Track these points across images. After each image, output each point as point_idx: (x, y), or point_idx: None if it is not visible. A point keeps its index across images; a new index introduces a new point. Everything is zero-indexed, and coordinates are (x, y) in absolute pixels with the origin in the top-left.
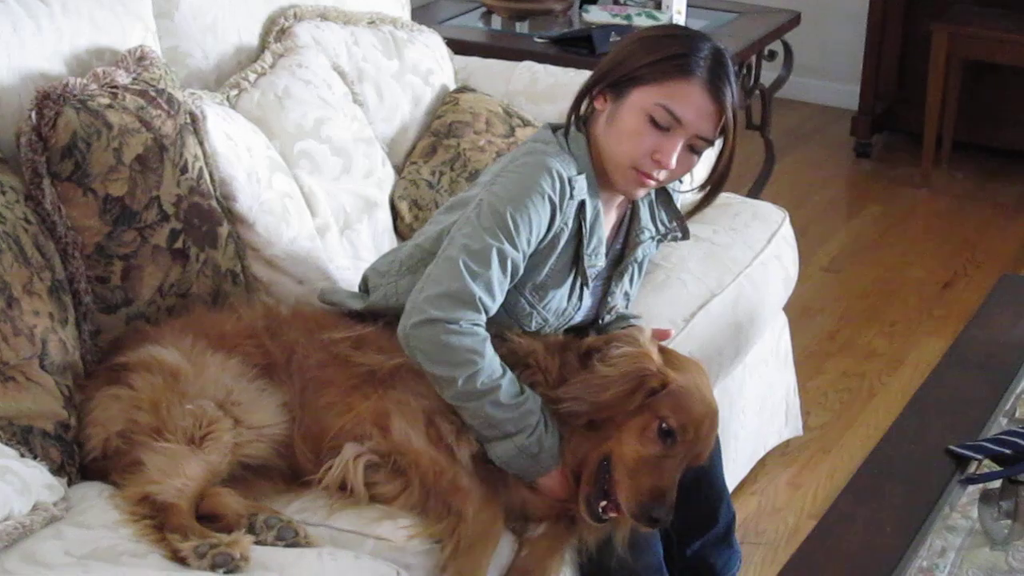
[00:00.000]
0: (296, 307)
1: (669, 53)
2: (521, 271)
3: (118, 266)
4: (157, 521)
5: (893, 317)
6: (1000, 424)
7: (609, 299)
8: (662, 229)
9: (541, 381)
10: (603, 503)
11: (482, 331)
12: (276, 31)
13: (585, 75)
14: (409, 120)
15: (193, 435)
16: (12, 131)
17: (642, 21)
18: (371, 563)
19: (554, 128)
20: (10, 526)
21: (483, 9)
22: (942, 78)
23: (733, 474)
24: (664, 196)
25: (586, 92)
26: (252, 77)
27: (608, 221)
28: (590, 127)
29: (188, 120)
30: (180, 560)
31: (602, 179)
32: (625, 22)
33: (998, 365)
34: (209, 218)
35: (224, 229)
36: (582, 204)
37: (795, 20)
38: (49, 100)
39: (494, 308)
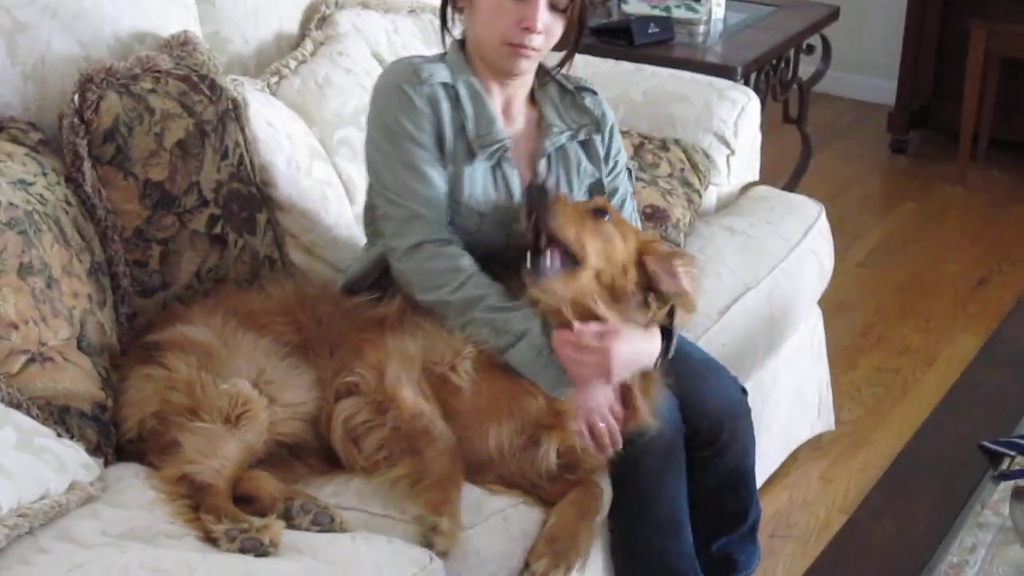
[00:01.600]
0: (324, 284)
1: None
2: (442, 164)
3: (156, 250)
4: (194, 501)
5: (927, 313)
6: None
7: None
8: (573, 125)
9: None
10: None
11: (454, 248)
12: (317, 19)
13: (623, 66)
14: None
15: (229, 415)
16: (55, 113)
17: (681, 13)
18: (405, 547)
19: None
20: (46, 505)
21: None
22: (979, 75)
23: (764, 467)
24: (570, 98)
25: (444, 2)
26: (293, 64)
27: (514, 117)
28: (467, 30)
29: (230, 106)
30: (211, 541)
31: (490, 69)
32: (664, 13)
33: None
34: (248, 204)
35: (263, 215)
36: (446, 86)
37: (834, 14)
38: (92, 83)
39: (442, 210)
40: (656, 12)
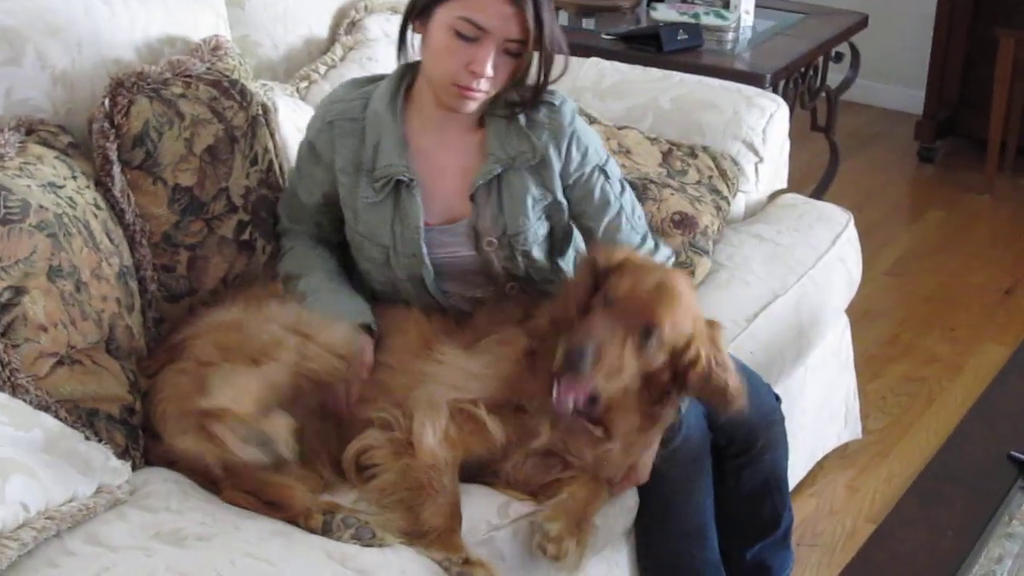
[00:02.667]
0: None
1: None
2: (333, 185)
3: (184, 256)
4: (208, 423)
5: (954, 323)
6: None
7: (479, 228)
8: (512, 153)
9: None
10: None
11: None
12: (347, 23)
13: (652, 72)
14: None
15: (254, 356)
16: (84, 117)
17: (710, 20)
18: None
19: None
20: (74, 507)
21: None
22: (1008, 84)
23: (791, 475)
24: (516, 125)
25: (404, 23)
26: (322, 69)
27: (451, 143)
28: (422, 56)
29: (260, 112)
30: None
31: (436, 100)
32: (693, 20)
33: None
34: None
35: None
36: (354, 120)
37: (863, 22)
38: (123, 88)
39: (305, 209)
40: (685, 19)
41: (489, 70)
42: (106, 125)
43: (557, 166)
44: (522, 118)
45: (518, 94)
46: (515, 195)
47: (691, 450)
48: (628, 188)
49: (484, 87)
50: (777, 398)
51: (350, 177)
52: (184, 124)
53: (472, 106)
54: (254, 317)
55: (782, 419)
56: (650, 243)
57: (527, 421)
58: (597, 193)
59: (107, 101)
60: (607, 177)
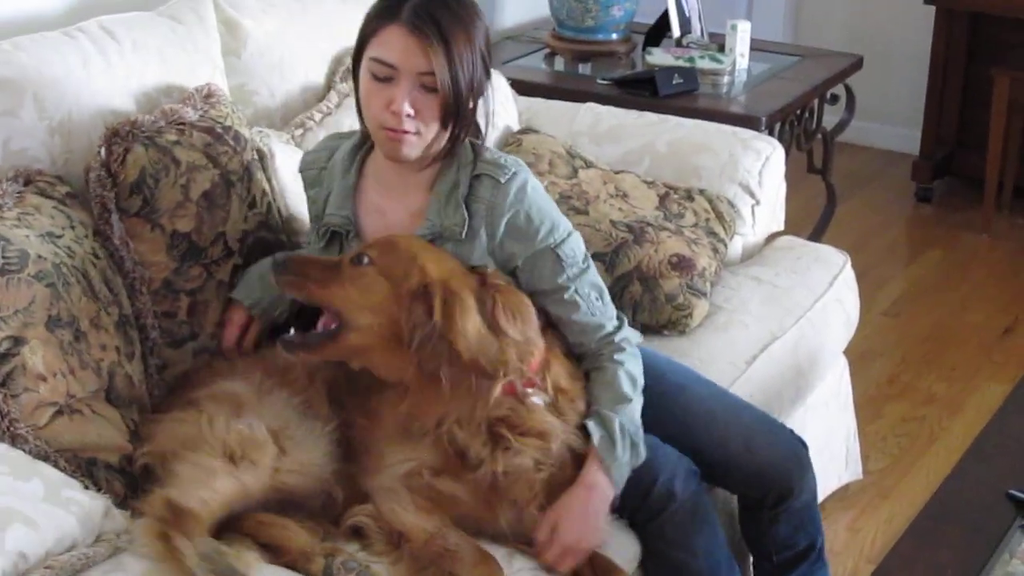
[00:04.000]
0: None
1: (376, 4)
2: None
3: (184, 301)
4: (170, 525)
5: (953, 362)
6: None
7: None
8: (445, 223)
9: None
10: None
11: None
12: (342, 70)
13: (648, 116)
14: None
15: (233, 453)
16: (82, 166)
17: (705, 64)
18: None
19: None
20: (74, 557)
21: (546, 50)
22: (1003, 124)
23: None
24: (456, 196)
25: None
26: (318, 117)
27: (399, 199)
28: None
29: (255, 156)
30: (183, 566)
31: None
32: (688, 64)
33: None
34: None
35: None
36: (322, 170)
37: (857, 64)
38: (118, 136)
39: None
40: (680, 63)
41: (407, 107)
42: (103, 174)
43: (484, 244)
44: (463, 187)
45: (450, 142)
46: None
47: (685, 512)
48: (591, 270)
49: (410, 127)
50: (801, 442)
51: (312, 224)
52: (180, 170)
53: (406, 150)
54: (258, 399)
55: (810, 462)
56: (609, 327)
57: (459, 450)
58: (547, 274)
59: (103, 150)
60: (559, 259)
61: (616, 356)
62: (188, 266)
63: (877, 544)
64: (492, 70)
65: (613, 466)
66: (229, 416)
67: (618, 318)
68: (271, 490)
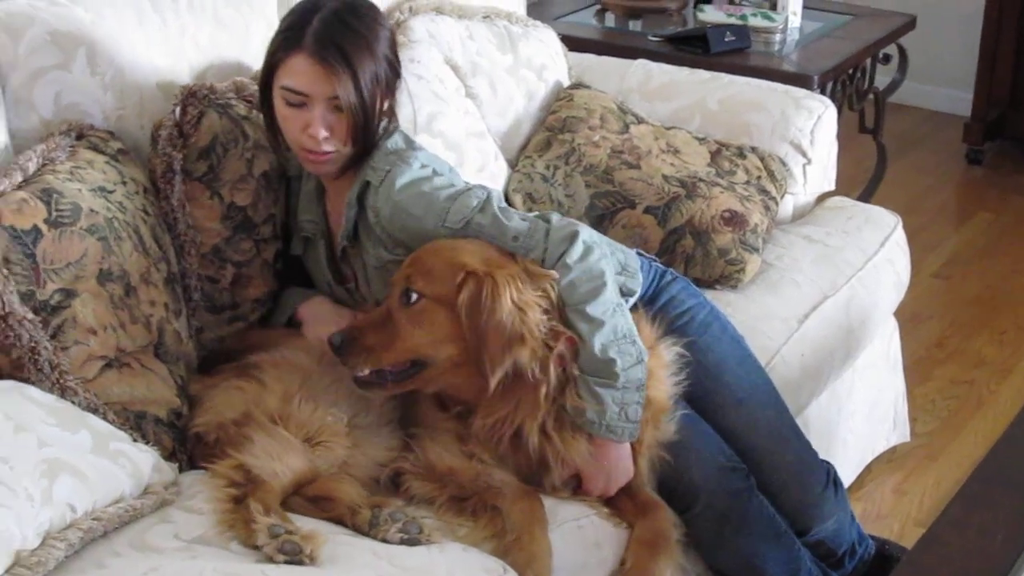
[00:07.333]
0: None
1: (280, 31)
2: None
3: (230, 271)
4: (242, 492)
5: (1003, 325)
6: None
7: (362, 276)
8: (348, 225)
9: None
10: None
11: None
12: (392, 24)
13: (699, 74)
14: (523, 115)
15: (311, 436)
16: (135, 123)
17: (757, 21)
18: (479, 556)
19: None
20: (121, 509)
21: (597, 6)
22: None
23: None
24: (357, 191)
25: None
26: None
27: (338, 201)
28: None
29: None
30: (250, 535)
31: None
32: (740, 22)
33: None
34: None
35: None
36: (294, 178)
37: (911, 23)
38: (194, 98)
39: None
40: (732, 20)
41: (323, 132)
42: (175, 132)
43: (383, 242)
44: (355, 191)
45: (360, 151)
46: (366, 261)
47: (717, 512)
48: (487, 211)
49: (328, 147)
50: (828, 472)
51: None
52: (247, 145)
53: (328, 167)
54: (327, 377)
55: (833, 493)
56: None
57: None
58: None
59: (178, 109)
60: (452, 229)
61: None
62: (240, 238)
63: (925, 507)
64: (544, 24)
65: (610, 435)
66: (299, 391)
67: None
68: (334, 476)
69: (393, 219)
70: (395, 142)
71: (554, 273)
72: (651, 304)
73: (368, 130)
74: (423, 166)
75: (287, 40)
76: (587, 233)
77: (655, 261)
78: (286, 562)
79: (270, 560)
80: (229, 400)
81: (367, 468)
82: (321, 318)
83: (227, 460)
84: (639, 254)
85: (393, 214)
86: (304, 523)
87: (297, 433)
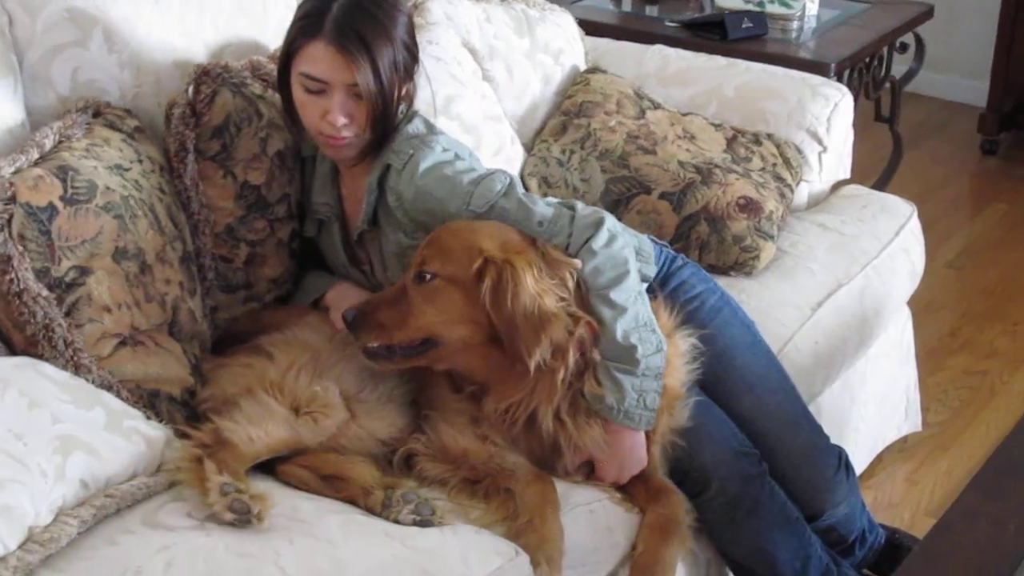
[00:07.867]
0: None
1: (298, 17)
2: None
3: (244, 250)
4: (208, 452)
5: (1016, 316)
6: None
7: (378, 261)
8: (368, 209)
9: None
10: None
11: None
12: (410, 6)
13: (716, 60)
14: (539, 98)
15: (299, 406)
16: (152, 101)
17: (775, 8)
18: (491, 538)
19: None
20: (134, 486)
21: None
22: None
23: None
24: (377, 175)
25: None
26: None
27: (357, 187)
28: None
29: None
30: (204, 490)
31: None
32: (758, 8)
33: None
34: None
35: None
36: (309, 158)
37: (928, 12)
38: (208, 76)
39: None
40: (750, 7)
41: (342, 118)
42: (187, 111)
43: (404, 226)
44: (375, 174)
45: (380, 136)
46: (383, 245)
47: (729, 497)
48: (511, 195)
49: (347, 133)
50: (839, 458)
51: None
52: (261, 124)
53: (346, 152)
54: (335, 355)
55: (845, 477)
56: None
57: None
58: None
59: (191, 88)
60: (476, 213)
61: (595, 285)
62: (254, 217)
63: (936, 497)
64: (561, 8)
65: (627, 421)
66: (310, 369)
67: (571, 224)
68: (327, 448)
69: (416, 203)
70: (416, 126)
71: (576, 261)
72: (661, 288)
73: (387, 116)
74: (445, 150)
75: (305, 27)
76: (611, 221)
77: (666, 247)
78: (234, 520)
79: (219, 517)
80: (234, 376)
81: (365, 441)
82: (348, 304)
83: (206, 424)
84: (651, 240)
85: (416, 197)
86: (260, 486)
87: (284, 402)
